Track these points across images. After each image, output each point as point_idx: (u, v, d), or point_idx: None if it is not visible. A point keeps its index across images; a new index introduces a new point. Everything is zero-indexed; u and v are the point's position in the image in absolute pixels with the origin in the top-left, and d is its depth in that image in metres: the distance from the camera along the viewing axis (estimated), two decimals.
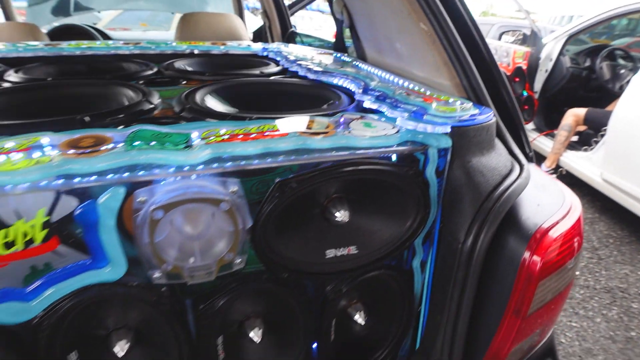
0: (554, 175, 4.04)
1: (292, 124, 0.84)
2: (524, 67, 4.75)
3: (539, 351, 1.01)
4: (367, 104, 1.02)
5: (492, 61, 1.03)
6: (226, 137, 0.77)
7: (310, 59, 1.56)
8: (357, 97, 1.11)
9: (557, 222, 0.77)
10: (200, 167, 0.72)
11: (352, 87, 1.20)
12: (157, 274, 0.74)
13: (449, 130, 0.82)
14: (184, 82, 1.39)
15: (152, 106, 1.04)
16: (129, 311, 0.79)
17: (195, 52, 1.83)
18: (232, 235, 0.74)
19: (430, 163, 0.83)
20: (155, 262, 0.72)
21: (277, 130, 0.81)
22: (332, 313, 0.93)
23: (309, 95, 1.25)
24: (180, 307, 0.83)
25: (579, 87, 4.77)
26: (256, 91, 1.26)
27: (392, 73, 1.28)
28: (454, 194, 0.84)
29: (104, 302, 0.75)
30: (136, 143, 0.73)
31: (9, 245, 0.66)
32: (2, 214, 0.64)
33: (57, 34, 3.27)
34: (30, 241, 0.67)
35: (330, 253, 0.85)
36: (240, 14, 3.55)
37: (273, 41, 3.30)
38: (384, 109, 0.96)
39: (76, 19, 3.66)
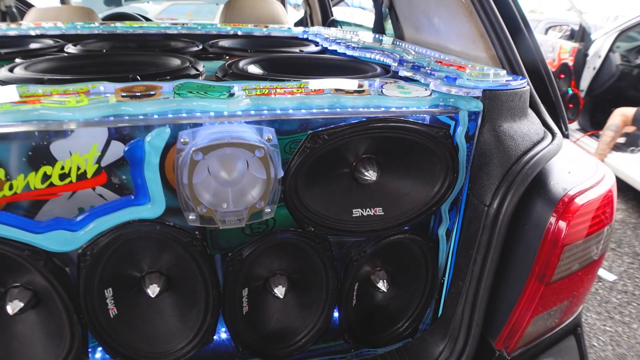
0: None
1: (329, 84, 0.87)
2: (571, 64, 4.56)
3: (562, 330, 1.00)
4: (403, 72, 1.04)
5: (530, 34, 1.03)
6: (266, 91, 0.82)
7: (349, 39, 1.58)
8: (392, 68, 1.13)
9: (586, 189, 0.76)
10: (239, 115, 0.76)
11: (388, 60, 1.22)
12: (192, 216, 0.79)
13: (480, 94, 0.83)
14: (227, 57, 1.46)
15: (197, 72, 1.10)
16: (163, 253, 0.84)
17: (239, 33, 1.90)
18: (264, 183, 0.78)
19: (461, 126, 0.84)
20: (192, 203, 0.77)
21: (314, 88, 0.84)
22: (355, 276, 0.95)
23: (346, 67, 1.27)
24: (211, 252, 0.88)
25: (629, 86, 4.53)
26: (295, 64, 1.30)
27: (429, 49, 1.29)
28: (483, 157, 0.84)
29: (141, 239, 0.81)
30: (182, 91, 0.79)
31: (63, 176, 0.73)
32: (60, 148, 0.71)
33: (110, 20, 3.48)
34: (84, 175, 0.74)
35: (357, 212, 0.88)
36: (282, 1, 3.62)
37: None
38: (419, 76, 0.97)
39: (127, 10, 3.87)
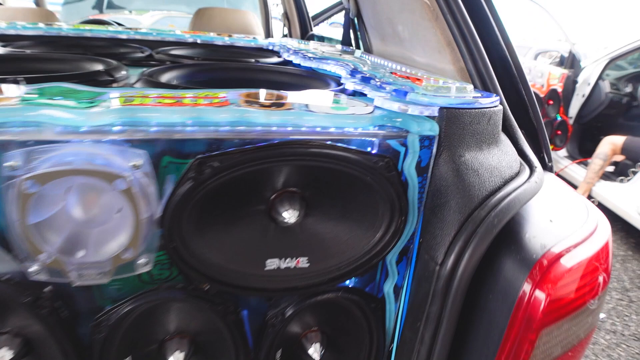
0: None
1: (240, 94, 0.66)
2: (560, 90, 4.47)
3: None
4: (350, 85, 0.84)
5: (508, 45, 0.83)
6: (151, 101, 0.60)
7: (311, 51, 1.40)
8: (343, 80, 0.93)
9: (574, 246, 0.56)
10: (104, 131, 0.55)
11: (341, 71, 1.03)
12: (33, 268, 0.56)
13: (436, 113, 0.63)
14: (169, 63, 1.29)
15: (111, 78, 0.90)
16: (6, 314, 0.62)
17: (198, 41, 1.78)
18: (132, 226, 0.56)
19: (410, 154, 0.63)
20: (29, 249, 0.55)
21: (218, 99, 0.63)
22: (274, 342, 0.72)
23: (292, 79, 1.07)
24: (70, 314, 0.65)
25: (618, 114, 4.45)
26: (232, 75, 1.10)
27: (393, 61, 1.09)
28: (437, 196, 0.63)
29: None
30: (35, 97, 0.57)
31: None
32: None
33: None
34: None
35: (272, 264, 0.66)
36: (266, 15, 3.47)
37: None
38: (367, 90, 0.77)
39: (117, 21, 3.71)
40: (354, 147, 0.60)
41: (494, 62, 0.83)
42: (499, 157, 0.66)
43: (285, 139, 0.59)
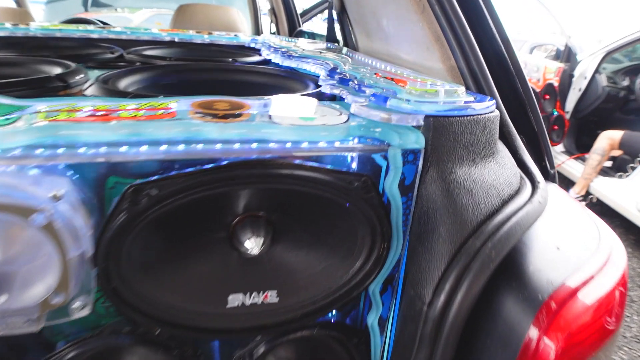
0: (583, 203, 3.64)
1: (192, 103, 0.56)
2: (556, 84, 4.39)
3: None
4: (326, 88, 0.74)
5: (504, 40, 0.74)
6: (81, 115, 0.51)
7: (291, 48, 1.30)
8: (320, 81, 0.83)
9: (587, 281, 0.46)
10: (11, 156, 0.45)
11: (320, 71, 0.93)
12: None
13: (421, 122, 0.53)
14: (139, 64, 1.20)
15: (61, 84, 0.80)
16: None
17: (176, 40, 1.68)
18: (59, 266, 0.47)
19: (392, 171, 0.54)
20: None
21: (163, 110, 0.54)
22: None
23: (267, 80, 0.98)
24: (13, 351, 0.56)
25: (615, 108, 4.37)
26: (201, 77, 1.00)
27: (378, 59, 1.00)
28: (424, 221, 0.54)
29: None
30: None
31: None
32: None
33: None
34: None
35: (236, 300, 0.57)
36: (255, 11, 3.36)
37: None
38: (345, 93, 0.68)
39: (104, 20, 3.60)
40: (324, 166, 0.51)
41: (488, 59, 0.74)
42: (495, 172, 0.56)
43: (239, 158, 0.50)
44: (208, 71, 1.01)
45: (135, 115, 0.50)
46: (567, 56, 4.44)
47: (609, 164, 3.82)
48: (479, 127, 0.55)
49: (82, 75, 0.86)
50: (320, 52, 1.07)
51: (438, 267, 0.49)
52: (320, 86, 0.81)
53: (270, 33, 3.29)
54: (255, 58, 1.36)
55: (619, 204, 3.46)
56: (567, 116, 4.40)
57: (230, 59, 1.30)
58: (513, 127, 0.68)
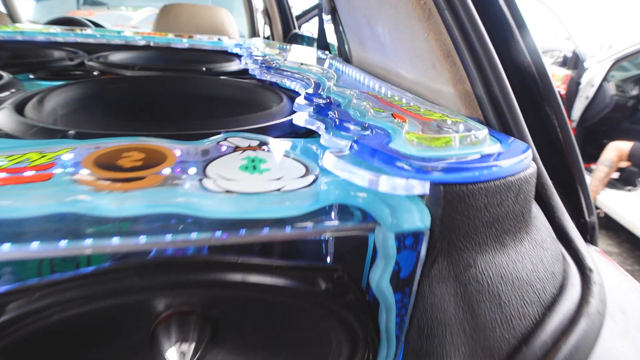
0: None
1: (90, 154, 0.38)
2: (563, 92, 4.23)
3: None
4: (299, 119, 0.56)
5: (533, 55, 0.56)
6: None
7: (275, 57, 1.12)
8: (295, 105, 0.65)
9: None
10: None
11: (300, 90, 0.76)
12: None
13: (427, 189, 0.35)
14: (101, 74, 1.03)
15: None
16: None
17: (151, 44, 1.52)
18: None
19: (381, 262, 0.36)
20: None
21: (38, 168, 0.36)
22: None
23: (234, 95, 0.80)
24: None
25: (624, 118, 4.22)
26: (156, 91, 0.82)
27: (371, 75, 0.82)
28: (426, 337, 0.36)
29: None
30: None
31: None
32: None
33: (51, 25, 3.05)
34: None
35: None
36: (251, 13, 3.19)
37: None
38: (321, 129, 0.50)
39: (103, 18, 3.41)
40: (273, 262, 0.33)
41: (512, 82, 0.56)
42: (532, 257, 0.39)
43: (141, 251, 0.32)
44: (163, 84, 0.83)
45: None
46: (574, 63, 4.28)
47: (616, 176, 3.67)
48: (511, 193, 0.37)
49: (8, 93, 0.68)
50: (301, 65, 0.89)
51: None
52: (294, 111, 0.63)
53: (264, 37, 3.12)
54: (233, 67, 1.19)
55: (627, 218, 3.33)
56: (574, 125, 4.25)
57: (204, 68, 1.13)
58: (548, 178, 0.50)
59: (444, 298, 0.35)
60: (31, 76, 0.96)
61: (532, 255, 0.39)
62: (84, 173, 0.34)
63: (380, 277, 0.36)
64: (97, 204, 0.32)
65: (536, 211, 0.45)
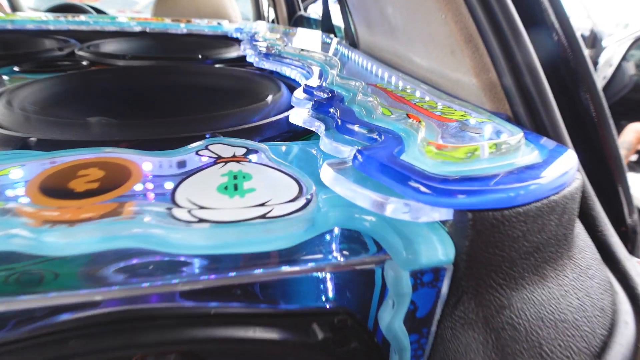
0: None
1: (38, 178, 0.32)
2: None
3: None
4: (296, 117, 0.49)
5: (570, 38, 0.48)
6: None
7: (276, 43, 1.04)
8: (293, 100, 0.58)
9: None
10: None
11: (300, 79, 0.68)
12: None
13: (450, 216, 0.28)
14: (91, 66, 0.97)
15: None
16: None
17: (147, 30, 1.45)
18: None
19: (392, 300, 0.29)
20: None
21: None
22: None
23: (228, 85, 0.73)
24: None
25: None
26: (145, 84, 0.75)
27: (380, 62, 0.74)
28: None
29: None
30: None
31: None
32: None
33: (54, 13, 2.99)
34: None
35: None
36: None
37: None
38: (321, 130, 0.43)
39: (107, 3, 3.34)
40: (260, 310, 0.26)
41: (544, 69, 0.48)
42: (577, 292, 0.32)
43: (96, 301, 0.25)
44: (150, 75, 0.76)
45: None
46: (592, 42, 4.10)
47: (634, 157, 3.54)
48: (554, 216, 0.30)
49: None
50: (301, 51, 0.81)
51: None
52: (291, 107, 0.56)
53: (268, 20, 3.02)
54: (232, 54, 1.12)
55: None
56: None
57: (200, 55, 1.06)
58: (589, 183, 0.43)
59: (470, 347, 0.28)
60: (16, 69, 0.90)
61: (577, 287, 0.32)
62: (24, 202, 0.27)
63: (391, 320, 0.30)
64: (38, 240, 0.25)
65: (579, 230, 0.38)
